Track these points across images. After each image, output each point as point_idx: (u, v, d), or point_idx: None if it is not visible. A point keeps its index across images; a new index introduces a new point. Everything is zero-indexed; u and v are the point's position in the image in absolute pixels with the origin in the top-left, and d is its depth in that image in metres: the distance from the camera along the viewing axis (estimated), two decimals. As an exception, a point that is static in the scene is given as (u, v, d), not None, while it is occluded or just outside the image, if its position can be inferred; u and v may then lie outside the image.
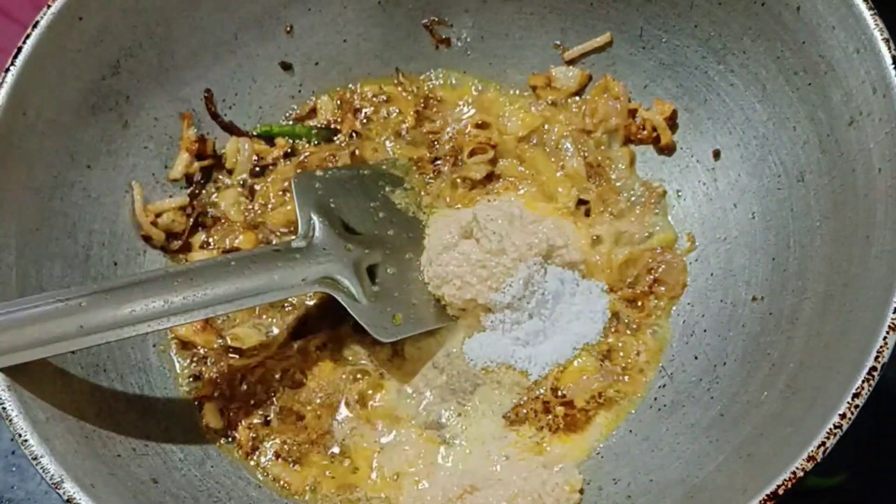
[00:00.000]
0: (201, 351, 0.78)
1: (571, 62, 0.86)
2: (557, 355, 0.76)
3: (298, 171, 0.84)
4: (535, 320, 0.76)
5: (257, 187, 0.84)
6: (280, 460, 0.73)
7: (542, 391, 0.75)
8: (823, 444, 0.55)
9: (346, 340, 0.78)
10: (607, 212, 0.82)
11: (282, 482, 0.73)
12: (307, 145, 0.86)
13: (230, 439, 0.74)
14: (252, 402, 0.76)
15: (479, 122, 0.86)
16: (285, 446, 0.74)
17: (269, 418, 0.75)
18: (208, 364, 0.77)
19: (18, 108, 0.69)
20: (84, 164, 0.76)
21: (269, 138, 0.86)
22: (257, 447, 0.74)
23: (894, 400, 0.72)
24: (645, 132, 0.83)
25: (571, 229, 0.81)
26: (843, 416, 0.56)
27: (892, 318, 0.57)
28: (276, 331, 0.78)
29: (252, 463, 0.74)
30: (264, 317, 0.79)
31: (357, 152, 0.86)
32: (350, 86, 0.88)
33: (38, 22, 0.70)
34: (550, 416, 0.74)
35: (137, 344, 0.75)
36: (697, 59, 0.80)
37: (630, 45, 0.83)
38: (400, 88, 0.88)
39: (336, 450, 0.74)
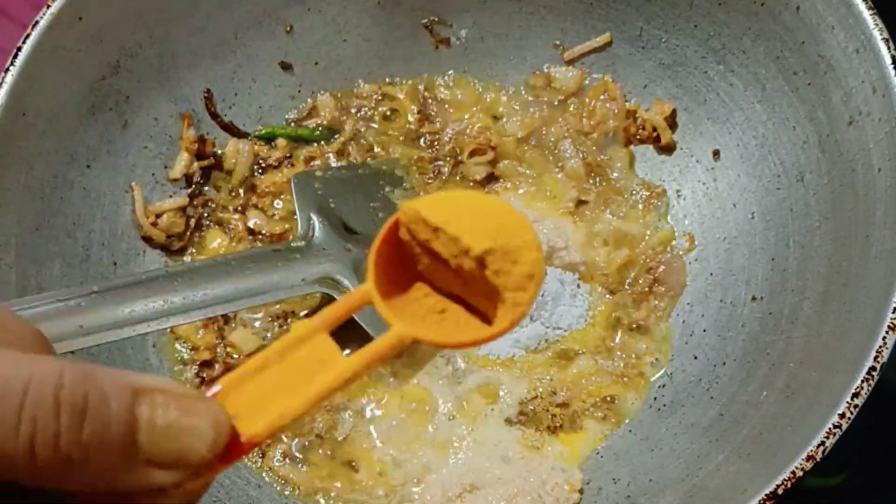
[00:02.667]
0: (202, 352, 0.78)
1: (571, 62, 0.86)
2: (556, 357, 0.76)
3: (298, 171, 0.84)
4: (536, 324, 0.76)
5: (257, 188, 0.84)
6: (288, 460, 0.74)
7: (541, 392, 0.75)
8: (823, 443, 0.55)
9: (347, 340, 0.77)
10: (607, 212, 0.82)
11: (290, 483, 0.73)
12: (307, 146, 0.86)
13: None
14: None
15: (479, 123, 0.86)
16: (293, 447, 0.74)
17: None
18: (210, 366, 0.77)
19: (18, 108, 0.69)
20: (84, 164, 0.76)
21: (269, 139, 0.86)
22: (265, 451, 0.74)
23: (894, 400, 0.72)
24: (644, 132, 0.83)
25: (571, 230, 0.81)
26: (842, 415, 0.56)
27: (892, 318, 0.57)
28: (271, 336, 0.78)
29: (259, 464, 0.73)
30: (264, 319, 0.79)
31: (357, 152, 0.86)
32: (350, 86, 0.88)
33: (37, 22, 0.70)
34: (550, 417, 0.74)
35: (137, 344, 0.75)
36: (697, 59, 0.80)
37: (630, 45, 0.83)
38: (400, 89, 0.88)
39: (338, 449, 0.74)
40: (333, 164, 0.85)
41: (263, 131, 0.86)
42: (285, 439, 0.74)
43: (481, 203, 0.39)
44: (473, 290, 0.39)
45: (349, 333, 0.78)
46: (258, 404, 0.36)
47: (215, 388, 0.36)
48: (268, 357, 0.37)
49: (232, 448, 0.34)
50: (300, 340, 0.37)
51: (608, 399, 0.75)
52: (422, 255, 0.39)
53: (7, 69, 0.69)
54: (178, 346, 0.78)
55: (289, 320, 0.79)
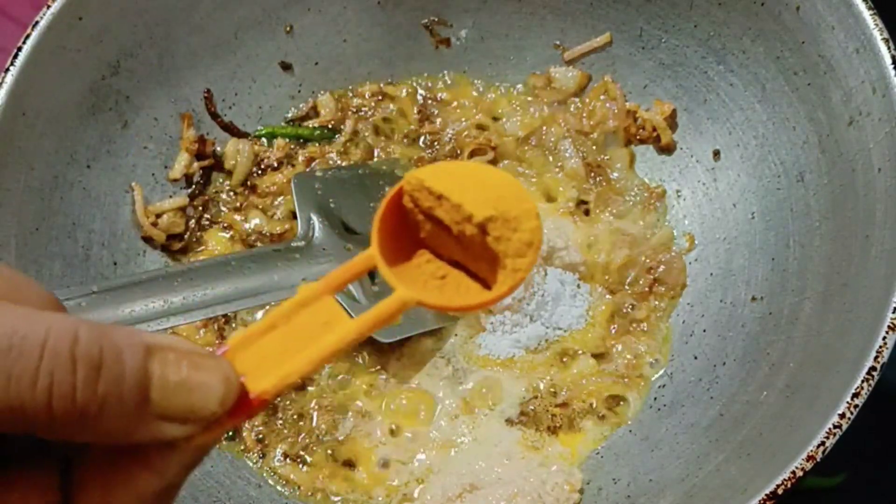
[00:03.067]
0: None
1: (571, 62, 0.86)
2: (556, 356, 0.76)
3: (298, 171, 0.84)
4: (536, 324, 0.76)
5: (257, 188, 0.84)
6: (288, 461, 0.74)
7: (541, 392, 0.75)
8: (823, 443, 0.55)
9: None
10: (607, 212, 0.82)
11: (291, 483, 0.73)
12: (307, 146, 0.86)
13: (232, 438, 0.74)
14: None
15: (479, 123, 0.86)
16: (293, 447, 0.74)
17: (272, 419, 0.75)
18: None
19: (18, 108, 0.69)
20: (84, 164, 0.76)
21: (269, 139, 0.86)
22: (265, 451, 0.74)
23: (894, 400, 0.72)
24: (645, 132, 0.83)
25: (571, 230, 0.81)
26: (842, 415, 0.56)
27: (892, 318, 0.57)
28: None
29: (260, 464, 0.73)
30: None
31: (357, 152, 0.86)
32: (350, 86, 0.88)
33: (38, 22, 0.70)
34: (550, 417, 0.74)
35: (137, 344, 0.75)
36: (697, 59, 0.80)
37: (630, 45, 0.83)
38: (400, 89, 0.88)
39: (338, 449, 0.74)
40: (333, 164, 0.85)
41: (263, 131, 0.86)
42: (291, 440, 0.74)
43: (483, 173, 0.40)
44: (474, 256, 0.40)
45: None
46: (265, 363, 0.37)
47: (224, 348, 0.36)
48: (274, 318, 0.38)
49: (241, 405, 0.35)
50: (306, 302, 0.39)
51: (608, 399, 0.75)
52: (424, 222, 0.40)
53: (7, 69, 0.69)
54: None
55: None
